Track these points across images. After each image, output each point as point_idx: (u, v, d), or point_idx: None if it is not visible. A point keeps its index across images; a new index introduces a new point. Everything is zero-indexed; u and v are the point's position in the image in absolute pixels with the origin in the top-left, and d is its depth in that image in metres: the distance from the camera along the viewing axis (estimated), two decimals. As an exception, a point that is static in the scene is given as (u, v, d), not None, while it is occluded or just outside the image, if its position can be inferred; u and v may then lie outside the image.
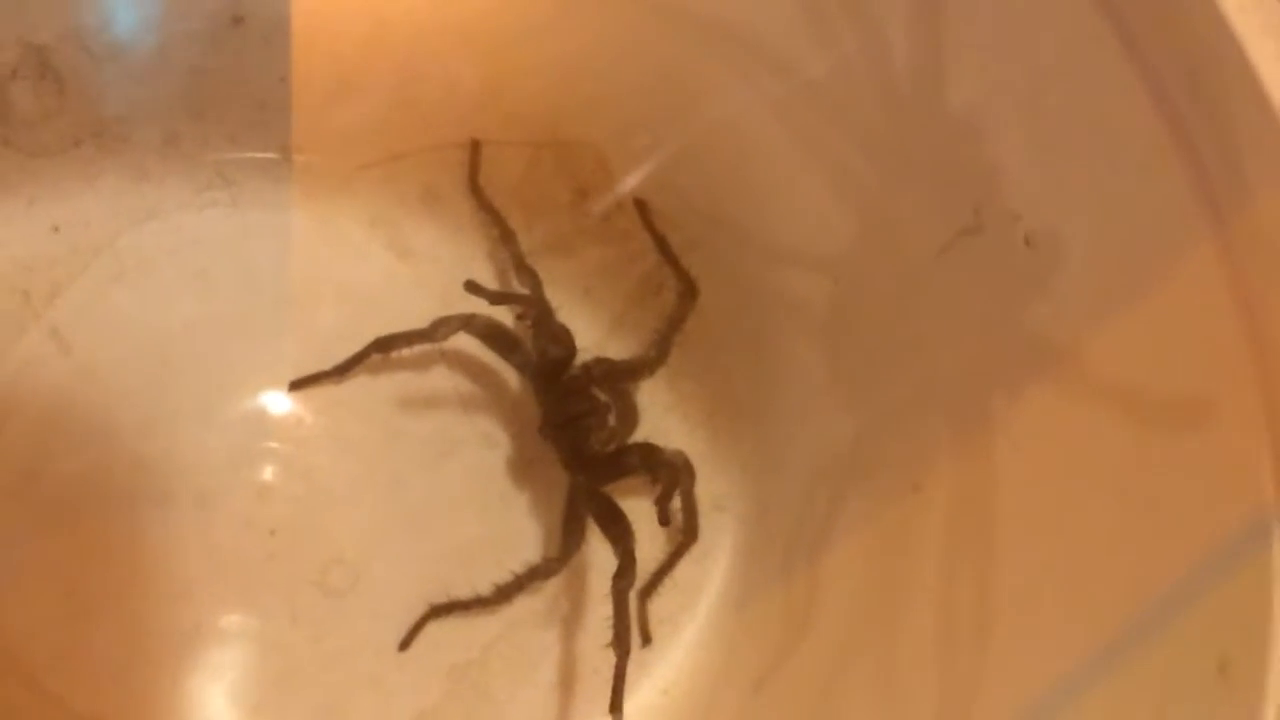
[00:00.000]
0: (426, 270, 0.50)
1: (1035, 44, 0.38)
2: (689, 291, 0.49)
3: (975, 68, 0.40)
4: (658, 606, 0.51)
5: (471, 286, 0.44)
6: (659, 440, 0.50)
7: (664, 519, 0.43)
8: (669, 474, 0.45)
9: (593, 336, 0.51)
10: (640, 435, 0.50)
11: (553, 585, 0.49)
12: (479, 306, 0.46)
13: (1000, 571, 0.43)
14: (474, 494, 0.50)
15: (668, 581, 0.50)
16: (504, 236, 0.49)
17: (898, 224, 0.44)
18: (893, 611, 0.46)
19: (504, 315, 0.48)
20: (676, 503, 0.49)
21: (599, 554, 0.49)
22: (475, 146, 0.50)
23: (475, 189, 0.49)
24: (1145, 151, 0.35)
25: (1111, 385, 0.39)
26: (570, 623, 0.50)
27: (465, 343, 0.48)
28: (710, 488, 0.51)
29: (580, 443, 0.47)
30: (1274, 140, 0.32)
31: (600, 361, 0.48)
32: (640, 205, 0.50)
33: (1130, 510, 0.38)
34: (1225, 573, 0.34)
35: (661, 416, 0.51)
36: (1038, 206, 0.39)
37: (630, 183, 0.50)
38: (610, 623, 0.44)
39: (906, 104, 0.43)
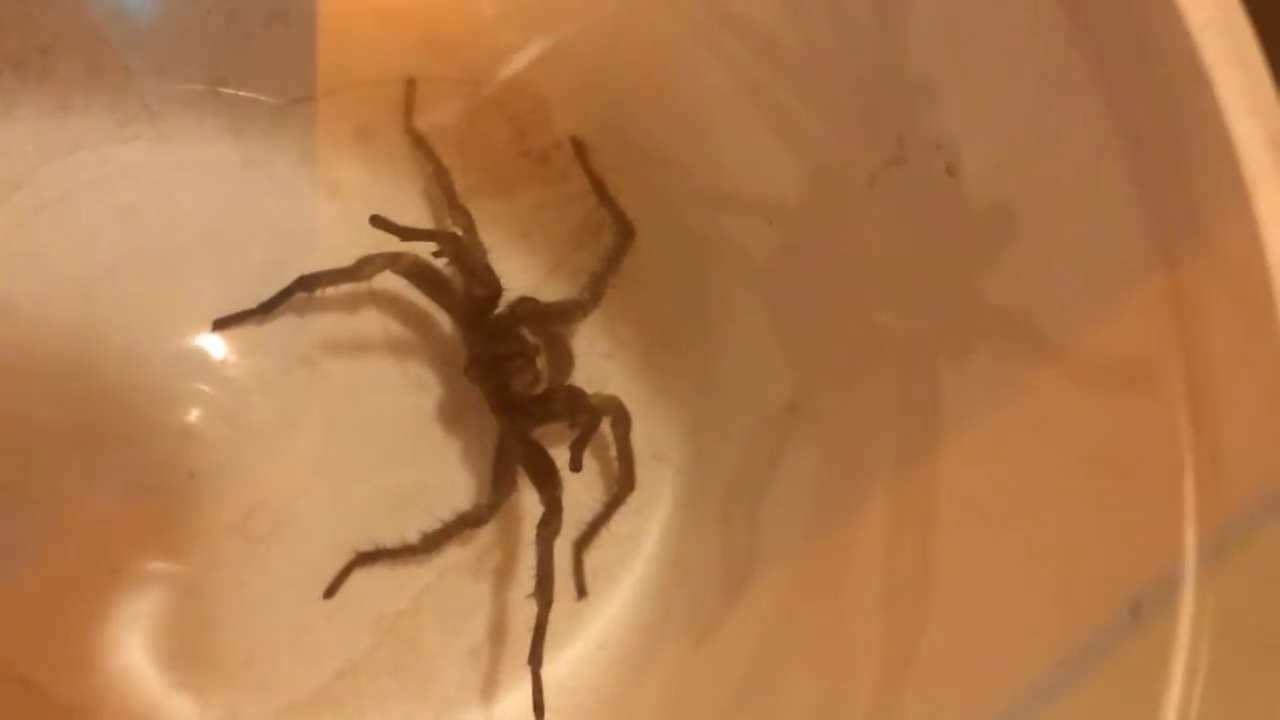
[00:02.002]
0: (357, 208, 0.48)
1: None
2: (625, 232, 0.48)
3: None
4: (594, 558, 0.49)
5: (379, 221, 0.42)
6: (597, 387, 0.48)
7: (576, 464, 0.41)
8: (588, 419, 0.44)
9: (530, 279, 0.49)
10: (579, 381, 0.49)
11: (486, 534, 0.48)
12: (413, 247, 0.44)
13: (944, 529, 0.42)
14: (404, 439, 0.48)
15: (605, 533, 0.49)
16: (437, 174, 0.47)
17: (830, 160, 0.43)
18: (834, 568, 0.45)
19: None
20: (614, 452, 0.48)
21: (536, 502, 0.48)
22: (411, 84, 0.48)
23: (409, 128, 0.48)
24: (1066, 79, 0.34)
25: (1044, 332, 0.37)
26: (504, 573, 0.49)
27: (395, 283, 0.47)
28: (650, 437, 0.50)
29: (506, 385, 0.45)
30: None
31: (525, 301, 0.47)
32: (577, 144, 0.49)
33: (1075, 465, 0.37)
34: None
35: (599, 363, 0.50)
36: (958, 138, 0.38)
37: (568, 122, 0.49)
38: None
39: (839, 39, 0.41)
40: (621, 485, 0.48)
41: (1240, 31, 0.31)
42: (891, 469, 0.43)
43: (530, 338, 0.46)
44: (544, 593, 0.43)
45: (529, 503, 0.48)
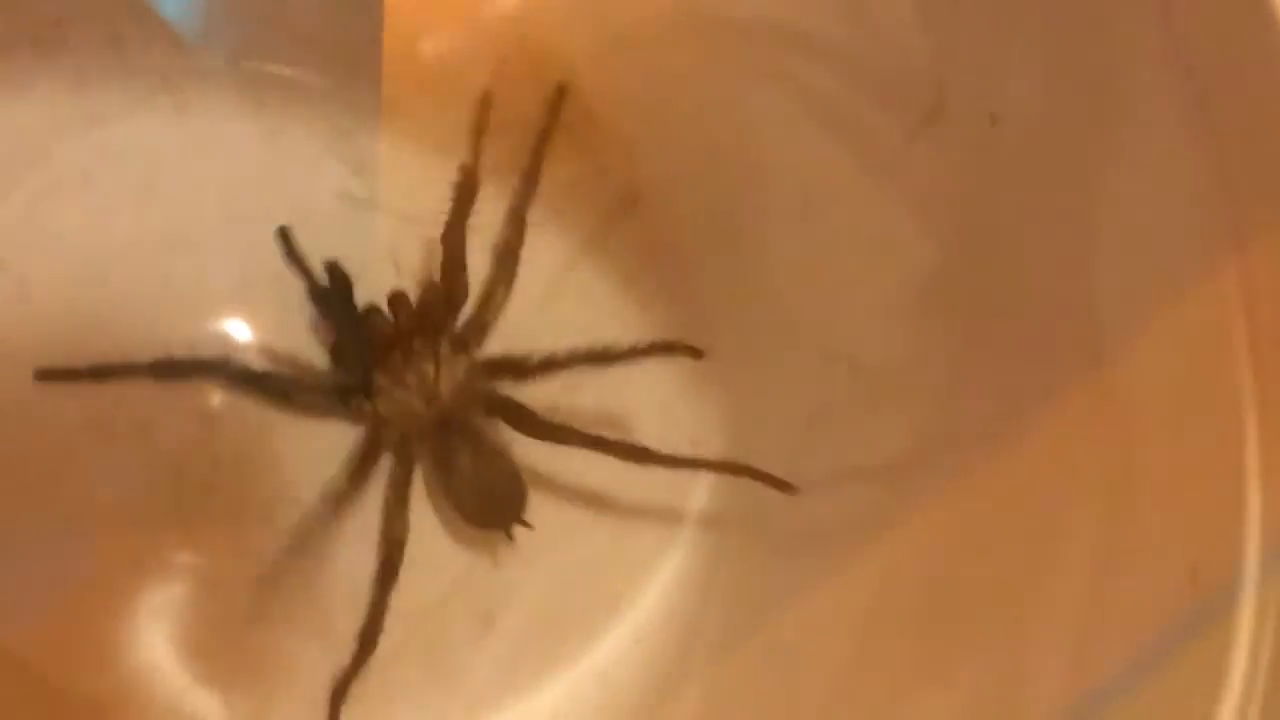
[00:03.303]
0: (383, 186, 0.46)
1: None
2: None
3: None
4: (629, 549, 0.47)
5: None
6: (628, 374, 0.47)
7: None
8: None
9: (563, 255, 0.48)
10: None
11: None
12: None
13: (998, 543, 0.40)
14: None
15: (640, 523, 0.47)
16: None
17: (866, 120, 0.41)
18: (882, 562, 0.43)
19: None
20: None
21: (561, 490, 0.47)
22: (486, 97, 0.45)
23: (476, 149, 0.45)
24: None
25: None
26: (534, 563, 0.47)
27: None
28: (688, 424, 0.48)
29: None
30: None
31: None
32: (559, 89, 0.46)
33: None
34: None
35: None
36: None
37: (595, 91, 0.47)
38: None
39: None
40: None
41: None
42: (964, 451, 0.42)
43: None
44: (362, 645, 0.43)
45: (561, 491, 0.47)
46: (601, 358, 0.44)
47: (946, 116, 0.37)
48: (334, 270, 0.44)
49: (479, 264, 0.45)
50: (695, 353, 0.45)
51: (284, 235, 0.42)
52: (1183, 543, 0.34)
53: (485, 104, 0.45)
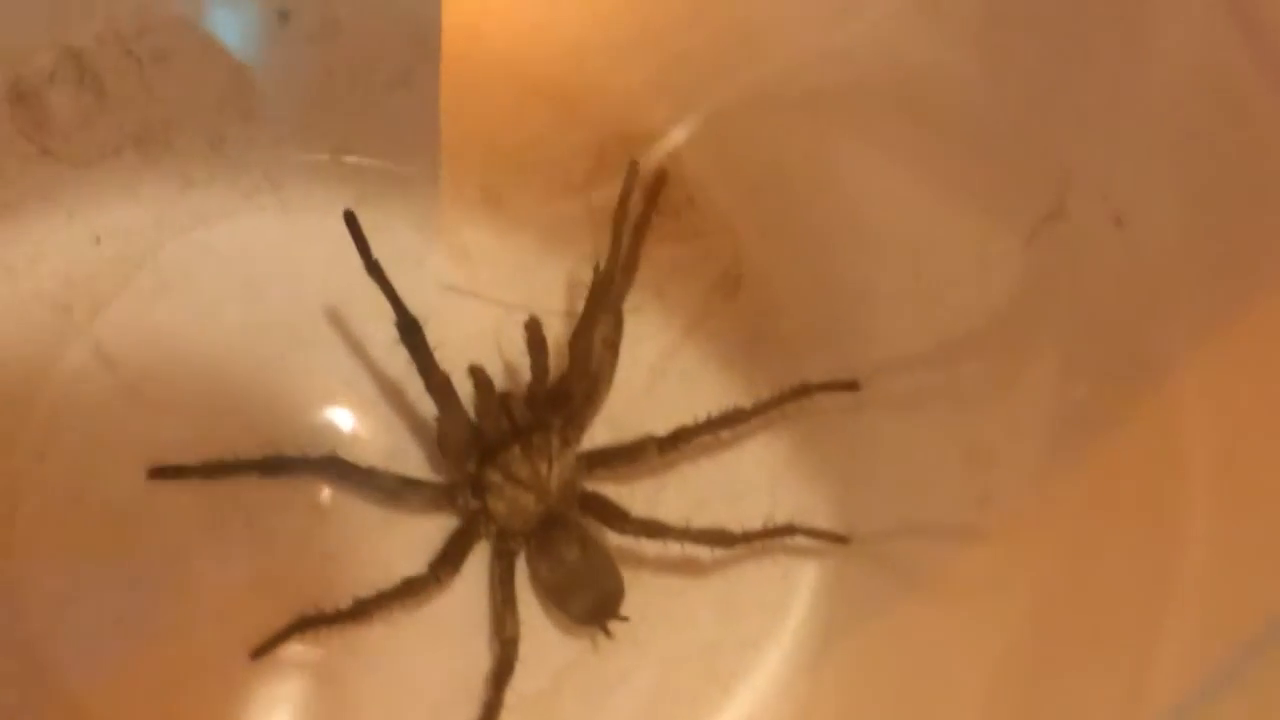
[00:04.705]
0: (486, 275, 0.47)
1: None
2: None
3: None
4: (736, 630, 0.47)
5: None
6: (737, 450, 0.46)
7: None
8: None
9: (667, 340, 0.48)
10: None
11: (627, 607, 0.46)
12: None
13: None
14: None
15: (748, 602, 0.47)
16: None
17: (986, 218, 0.41)
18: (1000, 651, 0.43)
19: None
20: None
21: (669, 571, 0.47)
22: (633, 168, 0.44)
23: (620, 217, 0.44)
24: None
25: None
26: (648, 647, 0.47)
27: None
28: (796, 499, 0.48)
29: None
30: None
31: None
32: (633, 168, 0.44)
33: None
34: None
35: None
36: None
37: (702, 179, 0.47)
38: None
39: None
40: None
41: None
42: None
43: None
44: None
45: (666, 573, 0.47)
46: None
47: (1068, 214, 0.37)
48: (479, 376, 0.44)
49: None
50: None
51: (350, 217, 0.40)
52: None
53: (632, 173, 0.44)
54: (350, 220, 0.40)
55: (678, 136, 0.47)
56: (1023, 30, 0.38)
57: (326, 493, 0.46)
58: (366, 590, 0.44)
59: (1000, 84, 0.39)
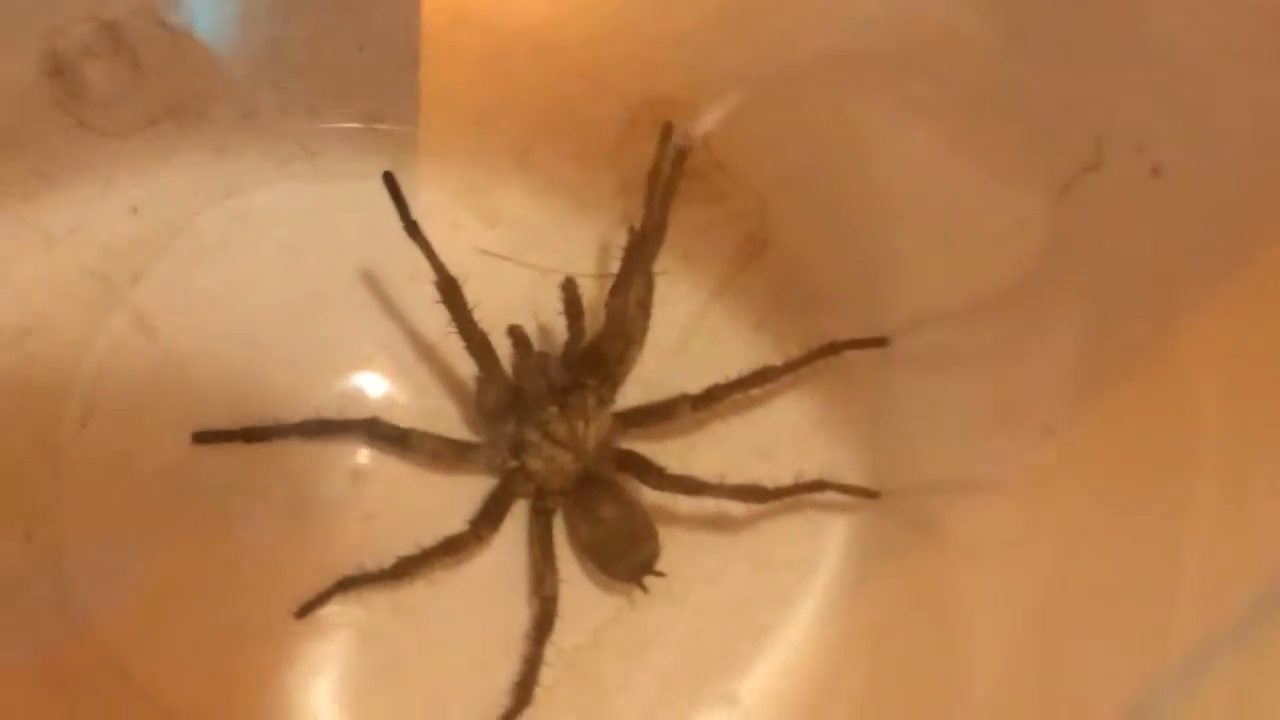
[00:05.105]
0: (520, 239, 0.47)
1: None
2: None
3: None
4: (770, 582, 0.48)
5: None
6: (765, 406, 0.47)
7: None
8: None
9: (696, 302, 0.49)
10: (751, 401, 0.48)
11: (665, 562, 0.46)
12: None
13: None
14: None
15: (782, 555, 0.48)
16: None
17: (1020, 170, 0.42)
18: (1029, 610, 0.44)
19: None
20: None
21: (702, 527, 0.48)
22: (666, 130, 0.45)
23: (654, 179, 0.45)
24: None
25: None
26: (684, 602, 0.47)
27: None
28: (825, 456, 0.48)
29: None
30: None
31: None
32: (666, 129, 0.45)
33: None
34: None
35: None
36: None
37: (724, 138, 0.48)
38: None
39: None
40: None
41: None
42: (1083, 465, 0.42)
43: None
44: (518, 696, 0.45)
45: (701, 527, 0.48)
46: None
47: (1105, 166, 0.38)
48: (518, 335, 0.45)
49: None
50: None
51: (390, 178, 0.41)
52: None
53: (665, 136, 0.45)
54: (390, 180, 0.41)
55: (705, 101, 0.48)
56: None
57: (366, 455, 0.46)
58: (408, 549, 0.44)
59: (1027, 41, 0.40)
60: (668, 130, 0.45)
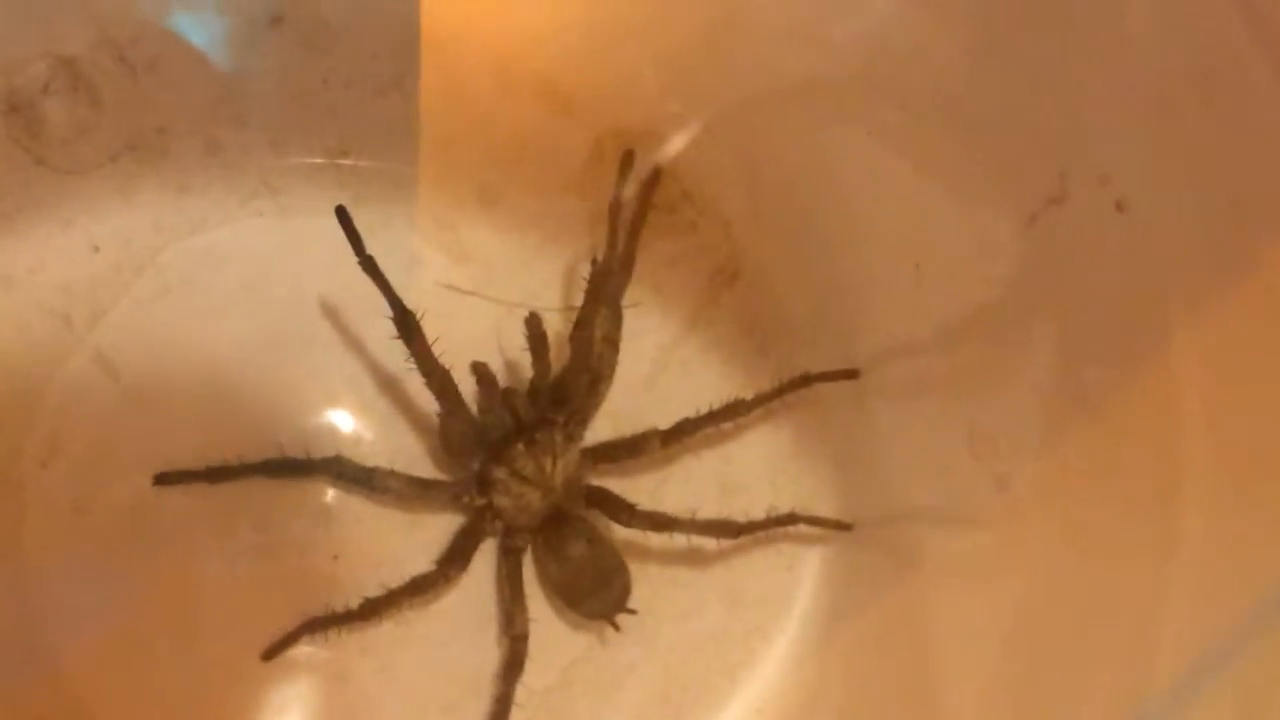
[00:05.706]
0: (485, 273, 0.47)
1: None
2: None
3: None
4: (745, 618, 0.48)
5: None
6: (738, 439, 0.47)
7: None
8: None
9: (667, 334, 0.48)
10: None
11: (635, 600, 0.46)
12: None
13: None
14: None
15: (755, 590, 0.47)
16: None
17: (986, 202, 0.42)
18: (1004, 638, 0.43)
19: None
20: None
21: (675, 563, 0.47)
22: (627, 158, 0.45)
23: (616, 208, 0.45)
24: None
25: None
26: (653, 641, 0.47)
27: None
28: (798, 490, 0.48)
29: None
30: None
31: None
32: (627, 158, 0.45)
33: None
34: None
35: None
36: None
37: (695, 170, 0.47)
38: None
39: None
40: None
41: None
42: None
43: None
44: None
45: (673, 564, 0.47)
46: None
47: (1070, 198, 0.37)
48: (481, 371, 0.44)
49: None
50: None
51: (342, 212, 0.41)
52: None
53: (626, 165, 0.45)
54: (342, 215, 0.40)
55: (671, 131, 0.47)
56: (1014, 17, 0.38)
57: (332, 494, 0.46)
58: (375, 590, 0.44)
59: (994, 71, 0.40)
60: (629, 159, 0.45)
